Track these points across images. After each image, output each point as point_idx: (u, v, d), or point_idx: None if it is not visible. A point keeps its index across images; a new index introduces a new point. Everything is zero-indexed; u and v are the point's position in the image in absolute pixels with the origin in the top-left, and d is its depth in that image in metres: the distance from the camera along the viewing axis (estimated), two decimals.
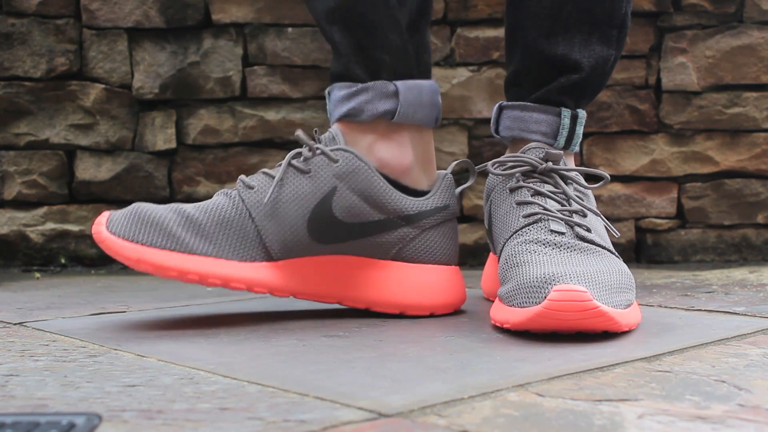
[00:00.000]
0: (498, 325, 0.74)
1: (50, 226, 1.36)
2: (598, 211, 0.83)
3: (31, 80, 1.35)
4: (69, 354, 0.67)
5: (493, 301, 0.91)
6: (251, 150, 1.36)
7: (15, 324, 0.82)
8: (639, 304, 0.81)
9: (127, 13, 1.35)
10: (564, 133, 0.87)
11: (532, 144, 0.85)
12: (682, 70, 1.33)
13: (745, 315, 0.81)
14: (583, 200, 0.82)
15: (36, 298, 1.01)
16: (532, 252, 0.75)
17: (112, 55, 1.36)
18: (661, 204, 1.34)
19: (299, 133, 0.82)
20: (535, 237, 0.77)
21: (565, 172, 0.83)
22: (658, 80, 1.34)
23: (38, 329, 0.79)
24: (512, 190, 0.83)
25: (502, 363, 0.62)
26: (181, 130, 1.37)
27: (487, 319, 0.80)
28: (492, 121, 0.91)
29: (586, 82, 0.87)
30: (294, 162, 0.81)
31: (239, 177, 0.83)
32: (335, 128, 0.84)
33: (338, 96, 0.85)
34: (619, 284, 0.72)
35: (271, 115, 1.36)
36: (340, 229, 0.81)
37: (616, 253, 0.79)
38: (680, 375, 0.58)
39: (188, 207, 0.80)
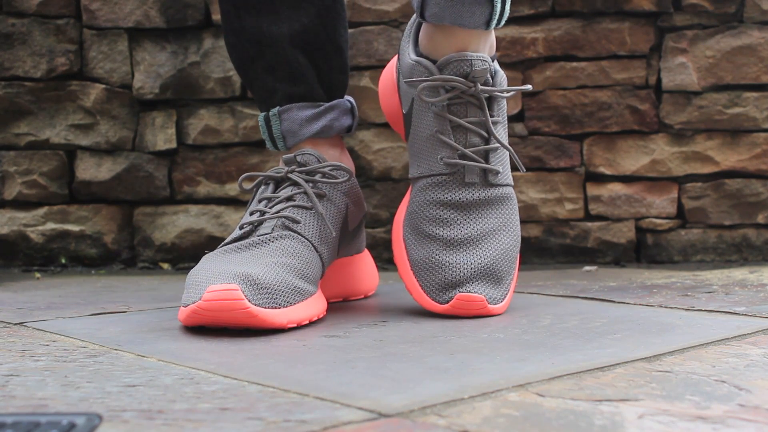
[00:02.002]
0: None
1: (50, 226, 1.36)
2: (507, 144, 0.86)
3: (32, 80, 1.35)
4: (69, 354, 0.67)
5: None
6: (251, 150, 1.36)
7: (15, 324, 0.82)
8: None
9: (128, 13, 1.35)
10: (496, 17, 0.82)
11: (453, 56, 0.82)
12: (682, 70, 1.33)
13: (745, 315, 0.81)
14: (499, 119, 0.85)
15: (36, 298, 1.01)
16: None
17: (112, 55, 1.36)
18: (661, 204, 1.34)
19: (284, 168, 0.89)
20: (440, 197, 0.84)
21: (495, 93, 0.84)
22: (659, 80, 1.34)
23: (38, 329, 0.79)
24: (436, 116, 0.84)
25: (502, 363, 0.62)
26: (182, 130, 1.37)
27: (488, 318, 0.80)
28: (416, 3, 0.85)
29: None
30: (314, 190, 0.87)
31: (278, 216, 0.84)
32: (310, 148, 0.90)
33: (303, 116, 0.91)
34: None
35: None
36: (346, 237, 0.91)
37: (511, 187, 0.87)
38: (680, 375, 0.58)
39: (279, 259, 0.79)
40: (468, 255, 0.82)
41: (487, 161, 0.84)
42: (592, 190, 1.35)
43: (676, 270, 1.22)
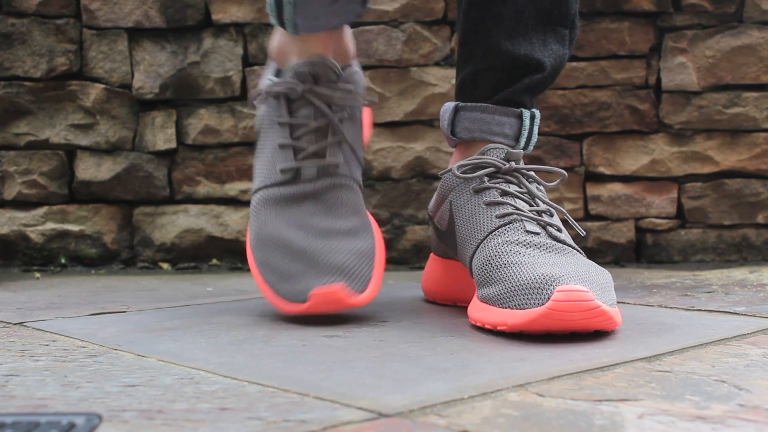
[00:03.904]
0: (489, 327, 0.73)
1: (50, 226, 1.36)
2: (563, 209, 0.83)
3: (31, 80, 1.35)
4: (69, 354, 0.67)
5: (435, 303, 0.93)
6: (251, 150, 1.36)
7: (15, 324, 0.82)
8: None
9: (127, 13, 1.35)
10: (525, 133, 0.86)
11: (490, 145, 0.84)
12: (682, 70, 1.33)
13: (745, 315, 0.81)
14: (545, 199, 0.82)
15: (36, 298, 1.01)
16: (519, 253, 0.74)
17: (112, 55, 1.36)
18: (661, 204, 1.34)
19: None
20: (514, 238, 0.76)
21: (526, 171, 0.83)
22: (658, 80, 1.34)
23: (38, 329, 0.79)
24: (477, 191, 0.82)
25: (502, 363, 0.62)
26: (181, 130, 1.37)
27: None
28: (446, 122, 0.89)
29: (547, 81, 0.87)
30: (337, 115, 0.86)
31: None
32: (325, 56, 0.86)
33: (322, 1, 0.84)
34: (604, 283, 0.72)
35: None
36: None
37: (583, 252, 0.79)
38: (680, 375, 0.58)
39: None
40: (562, 267, 0.74)
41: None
42: (592, 190, 1.35)
43: (676, 270, 1.22)
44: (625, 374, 0.58)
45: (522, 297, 0.70)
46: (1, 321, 0.84)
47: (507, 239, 0.76)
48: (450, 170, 0.85)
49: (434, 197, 0.90)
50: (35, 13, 1.35)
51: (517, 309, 0.70)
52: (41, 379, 0.59)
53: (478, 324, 0.75)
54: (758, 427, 0.46)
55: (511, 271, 0.72)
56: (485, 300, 0.74)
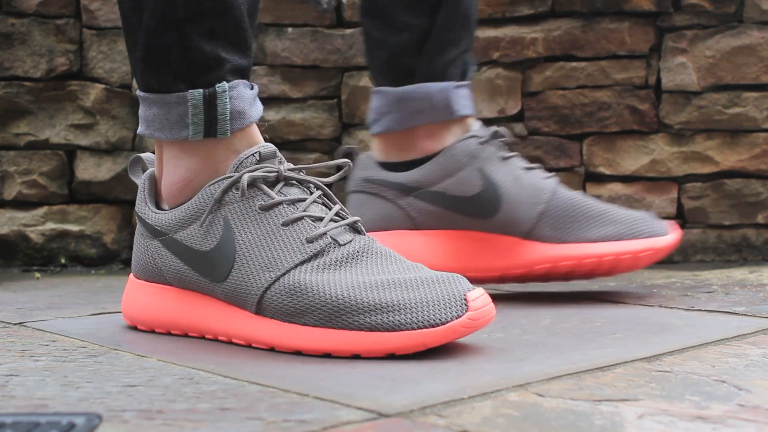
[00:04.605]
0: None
1: (50, 226, 1.36)
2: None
3: (31, 80, 1.35)
4: (69, 354, 0.67)
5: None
6: None
7: (15, 324, 0.82)
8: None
9: None
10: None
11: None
12: (682, 70, 1.33)
13: (745, 315, 0.81)
14: None
15: (36, 298, 1.01)
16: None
17: (112, 55, 1.36)
18: (661, 204, 1.34)
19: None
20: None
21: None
22: (658, 80, 1.34)
23: (38, 329, 0.79)
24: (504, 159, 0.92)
25: (502, 363, 0.62)
26: None
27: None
28: (451, 102, 0.95)
29: None
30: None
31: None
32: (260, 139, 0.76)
33: (249, 95, 0.75)
34: None
35: (271, 115, 1.35)
36: None
37: None
38: (680, 375, 0.58)
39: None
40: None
41: None
42: (592, 190, 1.34)
43: (676, 270, 1.22)
44: (625, 374, 0.58)
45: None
46: (1, 321, 0.84)
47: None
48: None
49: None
50: (35, 13, 1.35)
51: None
52: (41, 379, 0.59)
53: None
54: (758, 427, 0.46)
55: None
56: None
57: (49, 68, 1.35)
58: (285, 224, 0.69)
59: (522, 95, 1.35)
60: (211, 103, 0.73)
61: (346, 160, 0.75)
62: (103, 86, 1.35)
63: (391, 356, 0.63)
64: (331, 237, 0.69)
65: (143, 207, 0.79)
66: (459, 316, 0.63)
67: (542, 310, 0.85)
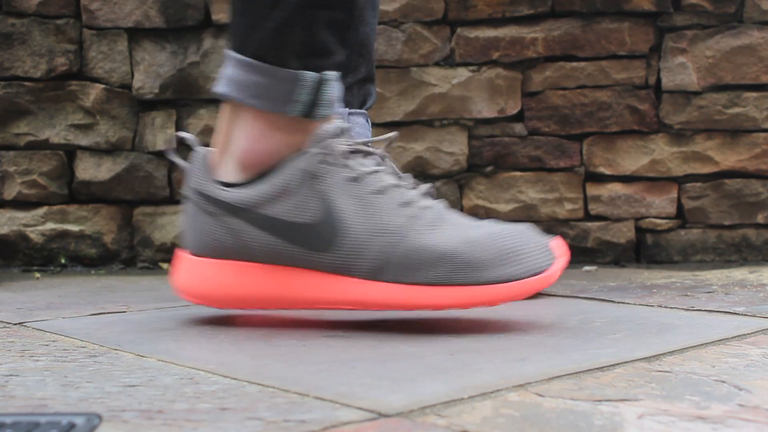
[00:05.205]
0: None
1: (50, 226, 1.36)
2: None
3: (31, 80, 1.35)
4: (69, 354, 0.67)
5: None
6: None
7: (15, 324, 0.82)
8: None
9: (127, 13, 1.35)
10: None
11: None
12: (682, 70, 1.33)
13: (745, 315, 0.81)
14: None
15: (36, 298, 1.01)
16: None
17: (112, 55, 1.36)
18: (661, 204, 1.34)
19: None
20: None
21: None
22: (658, 80, 1.34)
23: (38, 329, 0.79)
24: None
25: (502, 363, 0.62)
26: (181, 130, 1.37)
27: (484, 318, 0.80)
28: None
29: None
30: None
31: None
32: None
33: (339, 89, 0.80)
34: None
35: None
36: None
37: None
38: (680, 375, 0.58)
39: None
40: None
41: None
42: (592, 190, 1.35)
43: (676, 270, 1.22)
44: (625, 374, 0.58)
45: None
46: (1, 321, 0.84)
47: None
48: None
49: None
50: (35, 13, 1.35)
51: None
52: (41, 379, 0.59)
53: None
54: (758, 427, 0.46)
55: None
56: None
57: (49, 68, 1.35)
58: (377, 192, 0.74)
59: (522, 95, 1.35)
60: (319, 87, 0.77)
61: (396, 132, 0.81)
62: (103, 86, 1.35)
63: (391, 356, 0.63)
64: (418, 201, 0.75)
65: (207, 185, 0.79)
66: (552, 263, 0.72)
67: (542, 310, 0.85)
